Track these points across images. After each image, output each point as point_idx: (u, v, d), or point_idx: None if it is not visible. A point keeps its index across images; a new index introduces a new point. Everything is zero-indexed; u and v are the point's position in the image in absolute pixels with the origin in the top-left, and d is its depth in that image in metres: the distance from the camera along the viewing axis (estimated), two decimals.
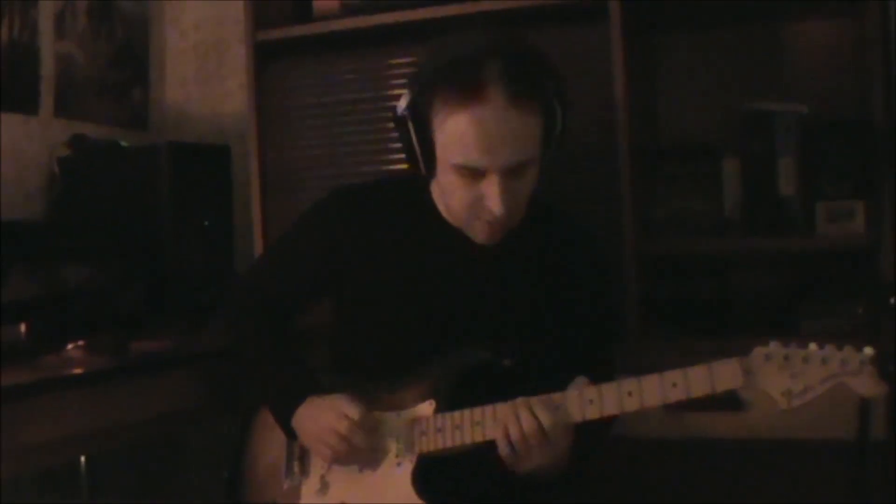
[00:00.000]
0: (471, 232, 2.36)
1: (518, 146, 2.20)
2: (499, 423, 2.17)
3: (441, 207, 2.44)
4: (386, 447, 2.33)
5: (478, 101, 2.16)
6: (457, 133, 2.20)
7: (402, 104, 2.30)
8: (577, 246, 2.50)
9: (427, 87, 2.26)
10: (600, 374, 2.21)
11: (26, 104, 3.72)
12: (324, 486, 2.39)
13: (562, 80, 2.30)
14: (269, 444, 2.53)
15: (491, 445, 2.22)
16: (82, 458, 3.65)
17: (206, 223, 3.57)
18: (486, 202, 2.24)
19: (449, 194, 2.33)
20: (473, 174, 2.22)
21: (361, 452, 2.31)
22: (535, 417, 2.13)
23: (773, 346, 2.04)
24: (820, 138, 3.05)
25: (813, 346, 2.02)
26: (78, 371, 2.87)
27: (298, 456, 2.45)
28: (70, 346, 2.99)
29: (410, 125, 2.28)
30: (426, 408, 2.32)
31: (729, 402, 2.14)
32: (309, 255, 2.55)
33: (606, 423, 2.21)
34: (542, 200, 2.48)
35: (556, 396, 2.17)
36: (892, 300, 2.64)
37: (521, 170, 2.23)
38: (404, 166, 3.14)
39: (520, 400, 2.18)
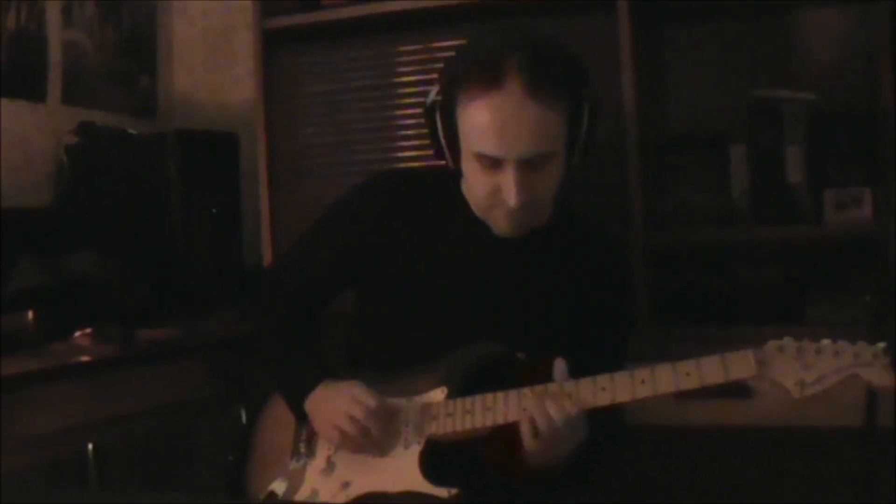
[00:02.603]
0: (492, 223, 2.37)
1: (534, 138, 2.19)
2: (523, 413, 2.18)
3: (469, 200, 2.46)
4: (395, 430, 2.33)
5: (496, 90, 2.18)
6: (476, 121, 2.22)
7: (430, 95, 2.34)
8: (599, 251, 2.50)
9: (453, 78, 2.29)
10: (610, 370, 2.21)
11: (34, 92, 3.73)
12: (329, 467, 2.39)
13: (587, 80, 2.30)
14: (277, 429, 2.53)
15: (500, 431, 2.23)
16: (90, 447, 3.65)
17: (214, 211, 3.58)
18: (502, 193, 2.25)
19: (470, 184, 2.35)
20: (492, 164, 2.23)
21: (373, 439, 2.32)
22: (564, 408, 2.14)
23: (787, 340, 2.05)
24: (828, 126, 3.04)
25: (826, 341, 2.02)
26: (85, 359, 2.89)
27: (306, 438, 2.45)
28: (77, 335, 3.00)
29: (437, 115, 2.32)
30: (438, 394, 2.33)
31: (736, 389, 2.14)
32: (339, 238, 2.56)
33: (614, 421, 2.23)
34: (570, 206, 2.51)
35: (569, 384, 2.18)
36: None
37: (539, 163, 2.23)
38: (412, 153, 3.19)
39: (539, 390, 2.19)
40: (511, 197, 2.23)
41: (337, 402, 2.32)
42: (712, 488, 2.91)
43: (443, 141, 2.33)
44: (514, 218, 2.30)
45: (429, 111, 2.34)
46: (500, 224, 2.34)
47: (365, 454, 2.35)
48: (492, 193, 2.27)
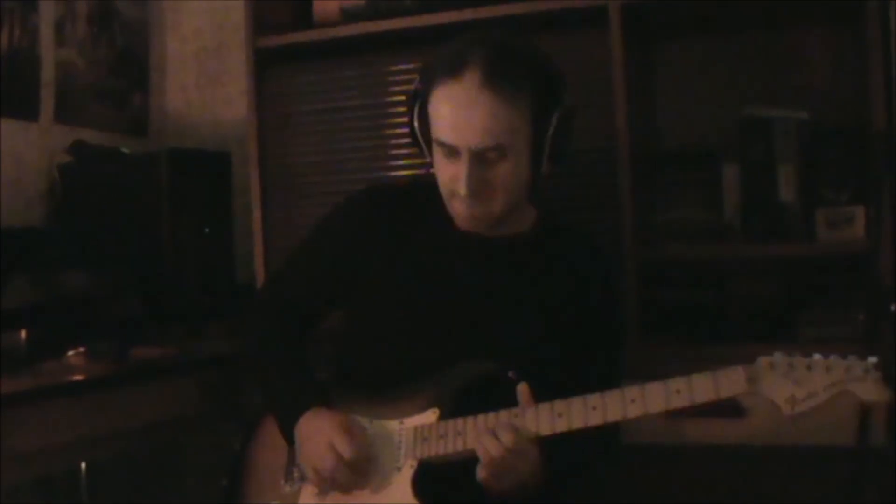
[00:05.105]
0: (452, 212, 2.42)
1: (486, 130, 2.24)
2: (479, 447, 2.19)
3: None
4: (388, 453, 2.33)
5: (456, 80, 2.25)
6: (436, 109, 2.31)
7: (412, 87, 2.42)
8: (586, 260, 2.50)
9: (428, 70, 2.36)
10: (607, 382, 2.21)
11: (27, 110, 3.73)
12: (322, 491, 2.38)
13: (559, 83, 2.36)
14: (270, 450, 2.52)
15: None
16: (82, 465, 3.65)
17: (207, 229, 3.58)
18: (456, 181, 2.30)
19: (436, 172, 2.41)
20: (450, 152, 2.30)
21: (343, 487, 2.32)
22: (499, 440, 2.14)
23: (778, 356, 2.04)
24: (819, 144, 3.04)
25: (817, 356, 2.02)
26: (78, 378, 2.88)
27: (299, 461, 2.44)
28: (70, 353, 3.00)
29: (416, 105, 2.39)
30: (430, 415, 2.32)
31: (729, 408, 2.14)
32: (328, 255, 2.58)
33: (607, 433, 2.22)
34: (554, 213, 2.55)
35: (560, 404, 2.18)
36: (892, 306, 2.64)
37: (492, 157, 2.28)
38: (404, 172, 3.19)
39: (482, 425, 2.22)
40: (461, 186, 2.29)
41: (317, 441, 2.31)
42: None
43: (417, 130, 2.41)
44: (468, 208, 2.35)
45: (408, 102, 2.43)
46: (457, 214, 2.40)
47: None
48: (450, 182, 2.34)
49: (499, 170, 2.30)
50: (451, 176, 2.32)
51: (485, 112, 2.23)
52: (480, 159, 2.27)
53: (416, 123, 2.41)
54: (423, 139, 2.41)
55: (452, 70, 2.26)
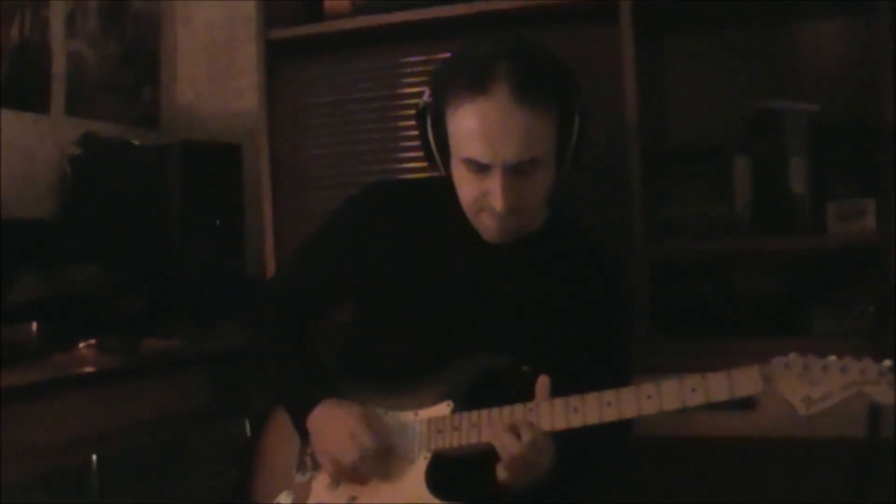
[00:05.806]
0: (479, 227, 2.38)
1: (521, 144, 2.21)
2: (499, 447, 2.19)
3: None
4: (401, 445, 2.33)
5: (483, 96, 2.21)
6: (464, 126, 2.25)
7: (422, 100, 2.37)
8: (589, 262, 2.50)
9: (443, 83, 2.31)
10: (614, 381, 2.21)
11: (38, 103, 3.74)
12: (336, 480, 2.38)
13: (578, 88, 2.32)
14: (281, 442, 2.52)
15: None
16: (93, 458, 3.65)
17: (218, 222, 3.58)
18: (489, 197, 2.27)
19: (459, 188, 2.37)
20: (479, 169, 2.26)
21: (364, 476, 2.33)
22: (519, 438, 2.15)
23: (793, 356, 2.04)
24: (830, 137, 3.04)
25: (832, 357, 2.02)
26: (88, 370, 2.89)
27: (311, 451, 2.44)
28: (81, 346, 3.00)
29: (428, 120, 2.34)
30: (443, 408, 2.32)
31: (738, 401, 2.14)
32: (336, 252, 2.57)
33: (618, 429, 2.22)
34: (564, 212, 2.53)
35: (574, 399, 2.18)
36: None
37: (526, 169, 2.24)
38: (415, 164, 3.19)
39: (496, 418, 2.23)
40: (498, 202, 2.25)
41: (335, 432, 2.32)
42: (715, 499, 2.91)
43: (432, 145, 2.36)
44: (502, 222, 2.32)
45: (419, 116, 2.37)
46: (488, 229, 2.36)
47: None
48: (479, 198, 2.30)
49: (531, 180, 2.27)
50: (480, 192, 2.29)
51: (520, 127, 2.20)
52: (514, 173, 2.24)
53: (432, 139, 2.36)
54: (439, 154, 2.37)
55: (477, 85, 2.21)
